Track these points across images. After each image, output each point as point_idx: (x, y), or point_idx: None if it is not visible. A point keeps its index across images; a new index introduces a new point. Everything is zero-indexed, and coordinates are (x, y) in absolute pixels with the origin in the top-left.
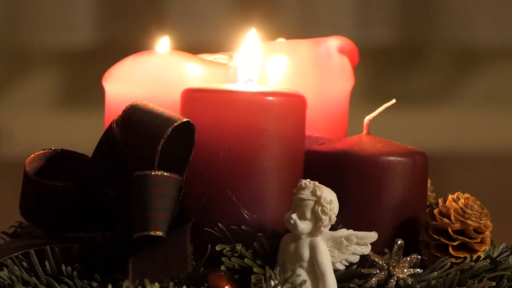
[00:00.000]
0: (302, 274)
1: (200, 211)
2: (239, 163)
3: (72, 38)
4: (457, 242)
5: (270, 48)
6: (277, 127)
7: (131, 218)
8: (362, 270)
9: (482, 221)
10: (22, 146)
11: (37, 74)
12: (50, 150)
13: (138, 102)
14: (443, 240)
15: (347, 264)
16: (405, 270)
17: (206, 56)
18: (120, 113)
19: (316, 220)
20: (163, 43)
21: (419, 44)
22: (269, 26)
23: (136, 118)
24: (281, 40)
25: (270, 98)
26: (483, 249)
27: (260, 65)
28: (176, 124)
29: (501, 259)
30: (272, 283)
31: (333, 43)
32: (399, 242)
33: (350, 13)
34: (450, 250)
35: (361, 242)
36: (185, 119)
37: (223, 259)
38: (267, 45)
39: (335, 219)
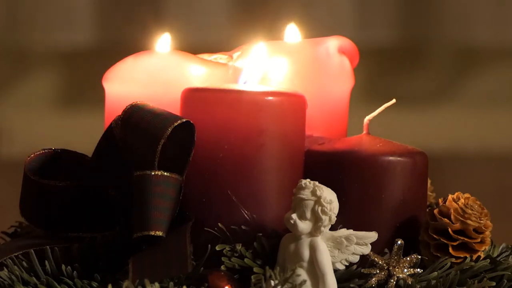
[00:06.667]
0: (302, 274)
1: (200, 211)
2: (239, 163)
3: (72, 38)
4: (457, 242)
5: (270, 48)
6: (277, 127)
7: (131, 218)
8: (362, 270)
9: (482, 221)
10: (22, 146)
11: (37, 74)
12: (50, 150)
13: (138, 102)
14: (443, 240)
15: (347, 264)
16: (405, 270)
17: (206, 56)
18: (120, 113)
19: (316, 220)
20: (164, 40)
21: (419, 44)
22: (269, 26)
23: (136, 118)
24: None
25: (270, 98)
26: (483, 249)
27: (263, 65)
28: (176, 124)
29: (501, 259)
30: (272, 283)
31: (333, 43)
32: (399, 242)
33: (350, 13)
34: (450, 250)
35: (361, 242)
36: (185, 119)
37: (223, 259)
38: (267, 46)
39: (335, 219)
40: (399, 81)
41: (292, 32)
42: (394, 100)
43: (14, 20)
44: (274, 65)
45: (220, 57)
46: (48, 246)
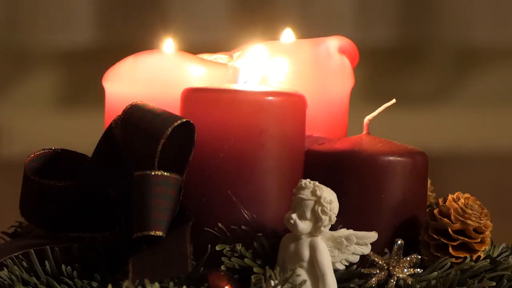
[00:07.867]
0: (302, 274)
1: (200, 211)
2: (239, 163)
3: (72, 38)
4: (457, 242)
5: (270, 48)
6: (277, 127)
7: (131, 218)
8: (362, 270)
9: (482, 221)
10: (22, 146)
11: (37, 74)
12: (50, 150)
13: (138, 102)
14: (443, 240)
15: (347, 264)
16: (405, 270)
17: (206, 56)
18: (120, 113)
19: (316, 220)
20: (167, 45)
21: (419, 44)
22: (269, 26)
23: (136, 118)
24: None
25: (270, 98)
26: (483, 249)
27: (263, 66)
28: (176, 124)
29: (501, 259)
30: (272, 283)
31: (333, 43)
32: (399, 242)
33: (350, 13)
34: (450, 250)
35: (361, 242)
36: (185, 119)
37: (223, 259)
38: (267, 46)
39: (335, 219)
40: (399, 81)
41: (288, 36)
42: (394, 100)
43: (14, 20)
44: (274, 65)
45: (220, 57)
46: (48, 246)
